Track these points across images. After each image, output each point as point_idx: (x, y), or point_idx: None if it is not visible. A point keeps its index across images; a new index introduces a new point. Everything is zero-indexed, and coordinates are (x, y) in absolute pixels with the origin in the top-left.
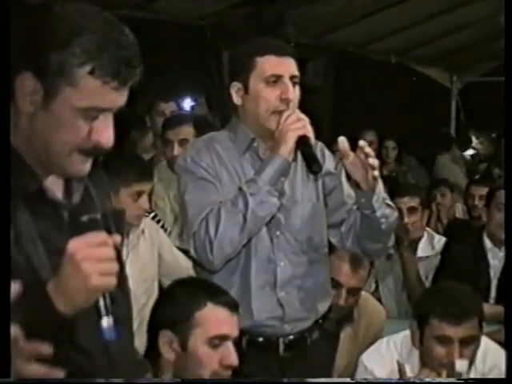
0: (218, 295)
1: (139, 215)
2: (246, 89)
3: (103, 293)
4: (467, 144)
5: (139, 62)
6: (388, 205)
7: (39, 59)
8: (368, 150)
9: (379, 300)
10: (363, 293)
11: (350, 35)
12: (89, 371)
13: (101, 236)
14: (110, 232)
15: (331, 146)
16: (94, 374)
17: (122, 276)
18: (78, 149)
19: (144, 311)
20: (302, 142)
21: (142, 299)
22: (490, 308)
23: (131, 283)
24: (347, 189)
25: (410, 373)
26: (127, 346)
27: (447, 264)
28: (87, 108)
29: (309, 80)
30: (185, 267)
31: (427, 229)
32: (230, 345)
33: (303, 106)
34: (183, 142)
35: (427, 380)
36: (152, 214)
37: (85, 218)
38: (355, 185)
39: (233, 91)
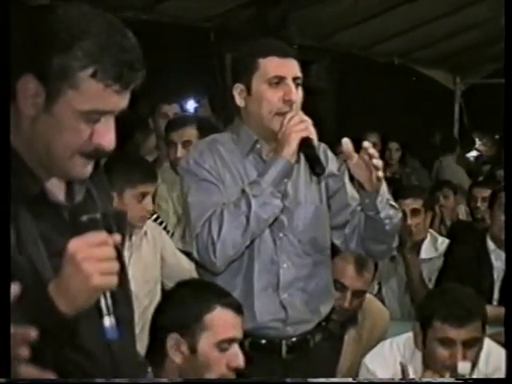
0: (225, 298)
1: (143, 216)
2: (248, 90)
3: (104, 292)
4: (470, 146)
5: (141, 65)
6: (392, 206)
7: (41, 62)
8: (372, 150)
9: (382, 302)
10: (367, 295)
11: (354, 37)
12: (90, 371)
13: (101, 236)
14: (110, 232)
15: (334, 147)
16: (96, 374)
17: (122, 275)
18: (80, 151)
19: (146, 313)
20: (305, 144)
21: (145, 301)
22: (493, 310)
23: (133, 284)
24: (351, 190)
25: (412, 375)
26: (128, 346)
27: (450, 266)
28: (89, 111)
29: (312, 82)
30: (187, 269)
31: (430, 231)
32: (236, 347)
33: (306, 108)
34: (186, 144)
35: (428, 380)
36: (154, 216)
37: (84, 218)
38: (359, 186)
39: (236, 93)
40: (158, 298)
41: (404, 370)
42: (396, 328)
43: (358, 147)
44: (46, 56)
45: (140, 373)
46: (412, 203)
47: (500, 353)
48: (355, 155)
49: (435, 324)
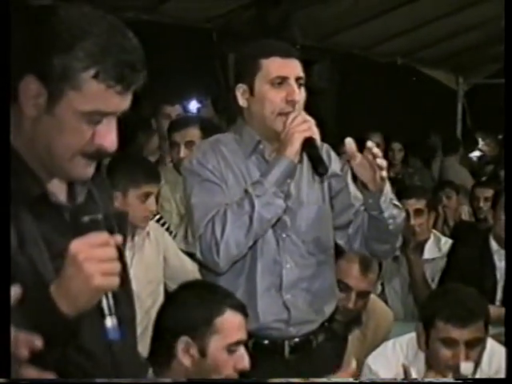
0: (233, 300)
1: (146, 217)
2: (251, 91)
3: (106, 293)
4: (473, 146)
5: (143, 66)
6: (395, 205)
7: (43, 63)
8: (376, 150)
9: (385, 302)
10: (371, 295)
11: (356, 37)
12: (91, 371)
13: (102, 236)
14: (112, 233)
15: (337, 148)
16: (97, 374)
17: (124, 276)
18: (82, 152)
19: (149, 314)
20: (308, 144)
21: (148, 301)
22: (496, 310)
23: (135, 284)
24: (353, 190)
25: (415, 375)
26: (130, 347)
27: (453, 266)
28: (91, 112)
29: (314, 82)
30: (190, 270)
31: (433, 231)
32: (242, 349)
33: (308, 108)
34: (189, 144)
35: (429, 380)
36: (158, 217)
37: (86, 219)
38: (363, 186)
39: (238, 93)
40: (161, 298)
41: (406, 372)
42: (399, 328)
43: (360, 147)
44: (47, 57)
45: (141, 373)
46: (415, 203)
47: (503, 353)
48: (358, 155)
49: (438, 324)
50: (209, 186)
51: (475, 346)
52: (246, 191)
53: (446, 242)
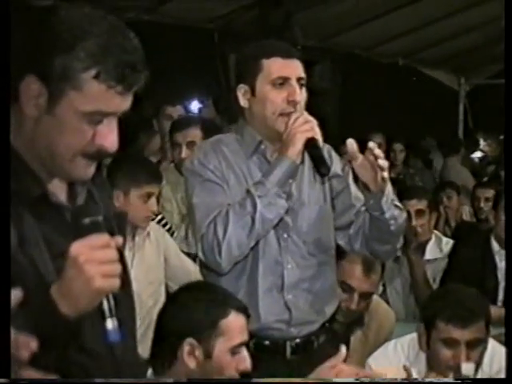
0: (237, 302)
1: (147, 217)
2: (252, 91)
3: (107, 295)
4: (475, 146)
5: (144, 67)
6: (397, 206)
7: (44, 63)
8: (378, 151)
9: (387, 302)
10: (374, 296)
11: (357, 38)
12: (91, 371)
13: (103, 238)
14: (112, 234)
15: (338, 148)
16: (97, 375)
17: (124, 277)
18: (82, 153)
19: (151, 314)
20: (310, 144)
21: (149, 302)
22: (497, 310)
23: (136, 285)
24: (355, 191)
25: (416, 376)
26: (130, 347)
27: (455, 267)
28: (91, 112)
29: (315, 82)
30: (191, 271)
31: (435, 231)
32: (245, 350)
33: (310, 109)
34: (191, 145)
35: (429, 380)
36: (159, 217)
37: (87, 221)
38: (364, 187)
39: (239, 94)
40: (162, 299)
41: (407, 373)
42: (400, 329)
43: (362, 148)
44: (48, 57)
45: (140, 374)
46: (417, 204)
47: (504, 354)
48: (360, 156)
49: (439, 325)
50: (210, 187)
51: (476, 346)
52: (248, 191)
53: (448, 243)
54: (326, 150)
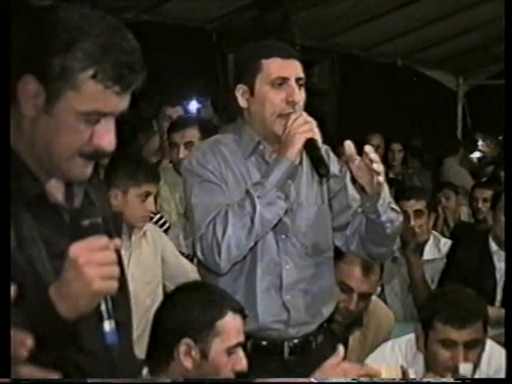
0: (234, 303)
1: (144, 216)
2: (251, 91)
3: (105, 297)
4: (474, 147)
5: (142, 67)
6: (393, 209)
7: (42, 63)
8: (373, 155)
9: (385, 303)
10: (373, 297)
11: (356, 38)
12: (89, 372)
13: (102, 240)
14: (110, 236)
15: (337, 149)
16: (94, 375)
17: (122, 279)
18: (80, 152)
19: (148, 314)
20: (310, 145)
21: (147, 302)
22: (495, 311)
23: (133, 284)
24: (352, 192)
25: (414, 377)
26: (127, 348)
27: (453, 267)
28: (89, 112)
29: (314, 83)
30: (189, 271)
31: (433, 232)
32: (241, 351)
33: (308, 109)
34: (189, 145)
35: (428, 380)
36: (157, 216)
37: (86, 223)
38: (361, 189)
39: (238, 94)
40: (160, 299)
41: (404, 373)
42: (398, 329)
43: (360, 149)
44: (46, 57)
45: (136, 374)
46: (415, 204)
47: (502, 354)
48: (357, 158)
49: (437, 325)
50: (209, 187)
51: (474, 347)
52: (248, 192)
53: (446, 243)
54: (324, 150)
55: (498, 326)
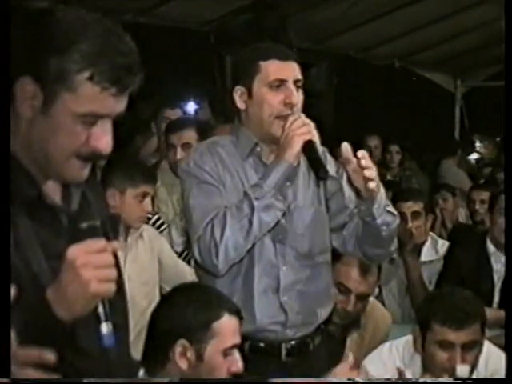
0: (230, 304)
1: (141, 217)
2: (249, 93)
3: (102, 299)
4: (471, 148)
5: (139, 69)
6: (389, 212)
7: (39, 64)
8: (364, 162)
9: (382, 304)
10: (370, 298)
11: (353, 40)
12: (85, 373)
13: (100, 243)
14: (108, 238)
15: (334, 150)
16: (90, 375)
17: (119, 281)
18: (76, 154)
19: (145, 316)
20: (308, 148)
21: (143, 303)
22: (492, 313)
23: (129, 286)
24: (348, 193)
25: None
26: (123, 350)
27: (450, 268)
28: (85, 114)
29: (311, 85)
30: (186, 272)
31: (431, 233)
32: (237, 353)
33: (306, 111)
34: (186, 146)
35: (426, 380)
36: (156, 217)
37: (84, 225)
38: (356, 192)
39: (236, 95)
40: (156, 300)
41: (401, 375)
42: (396, 331)
43: (358, 150)
44: (43, 58)
45: (132, 375)
46: (413, 206)
47: (499, 356)
48: (354, 160)
49: (434, 327)
50: (206, 188)
51: (471, 348)
52: (246, 194)
53: (443, 245)
54: (321, 151)
55: (495, 327)
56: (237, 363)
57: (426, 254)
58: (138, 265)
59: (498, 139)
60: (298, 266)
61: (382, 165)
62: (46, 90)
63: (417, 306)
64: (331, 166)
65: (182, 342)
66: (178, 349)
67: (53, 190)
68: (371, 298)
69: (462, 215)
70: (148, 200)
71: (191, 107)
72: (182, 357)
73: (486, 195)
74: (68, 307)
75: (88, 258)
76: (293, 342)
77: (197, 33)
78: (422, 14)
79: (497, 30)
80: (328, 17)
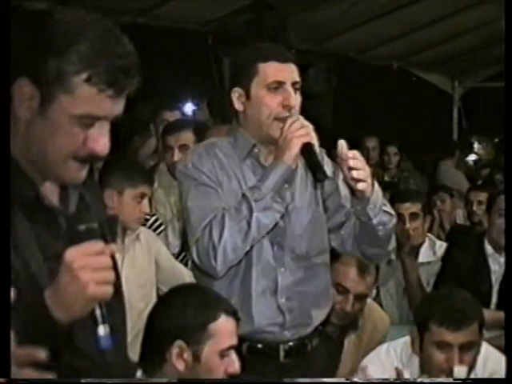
0: (227, 305)
1: (139, 218)
2: (247, 95)
3: (99, 301)
4: (469, 149)
5: (136, 72)
6: (386, 212)
7: (37, 66)
8: (352, 162)
9: (380, 306)
10: (368, 300)
11: (351, 41)
12: (83, 374)
13: (98, 245)
14: (105, 240)
15: (332, 152)
16: (88, 376)
17: (117, 284)
18: (74, 156)
19: (142, 318)
20: (307, 150)
21: (140, 305)
22: (490, 314)
23: (126, 288)
24: (345, 192)
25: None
26: (121, 353)
27: (448, 270)
28: (82, 115)
29: (309, 86)
30: (184, 274)
31: (428, 234)
32: (234, 354)
33: (304, 112)
34: (183, 148)
35: (426, 380)
36: (153, 218)
37: (82, 227)
38: (351, 191)
39: (234, 97)
40: (153, 302)
41: (399, 375)
42: (394, 332)
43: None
44: (41, 59)
45: (129, 377)
46: (410, 207)
47: (497, 357)
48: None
49: (432, 328)
50: (205, 190)
51: (469, 349)
52: (244, 196)
53: (441, 246)
54: (319, 152)
55: (493, 328)
56: (234, 364)
57: (424, 255)
58: (135, 267)
59: (496, 140)
60: (295, 268)
61: (379, 166)
62: (43, 91)
63: (415, 307)
64: (328, 167)
65: (179, 343)
66: (174, 350)
67: (51, 192)
68: (369, 300)
69: (460, 216)
70: (146, 201)
71: (189, 108)
72: (178, 358)
73: (483, 196)
74: (65, 309)
75: (86, 261)
76: (291, 344)
77: (196, 33)
78: (420, 15)
79: (496, 30)
80: (328, 17)
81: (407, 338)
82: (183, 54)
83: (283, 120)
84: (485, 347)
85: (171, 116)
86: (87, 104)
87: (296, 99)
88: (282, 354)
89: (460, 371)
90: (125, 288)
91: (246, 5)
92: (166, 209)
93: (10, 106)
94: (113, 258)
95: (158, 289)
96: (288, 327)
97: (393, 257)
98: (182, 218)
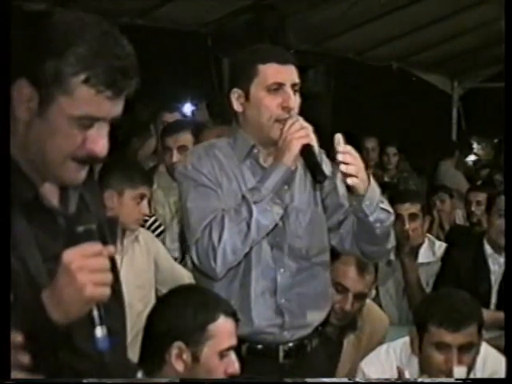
0: (226, 306)
1: (139, 219)
2: (246, 96)
3: (97, 303)
4: (469, 150)
5: (135, 73)
6: (383, 209)
7: (35, 67)
8: (342, 157)
9: (380, 306)
10: (367, 300)
11: (350, 41)
12: (82, 374)
13: (96, 246)
14: (104, 242)
15: (331, 152)
16: (89, 377)
17: (116, 286)
18: (72, 157)
19: (141, 319)
20: (306, 151)
21: (139, 306)
22: (490, 314)
23: (125, 289)
24: (343, 190)
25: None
26: (120, 354)
27: (448, 270)
28: (81, 116)
29: (309, 87)
30: (184, 275)
31: (428, 235)
32: (233, 354)
33: (303, 113)
34: (182, 149)
35: (426, 380)
36: (152, 219)
37: (81, 229)
38: (347, 188)
39: (233, 98)
40: (152, 303)
41: (401, 374)
42: (393, 332)
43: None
44: (40, 61)
45: (129, 377)
46: (410, 207)
47: (497, 358)
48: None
49: (431, 328)
50: (204, 191)
51: (468, 350)
52: (244, 197)
53: (441, 246)
54: (318, 152)
55: (493, 329)
56: (233, 365)
57: (424, 255)
58: (134, 268)
59: (495, 141)
60: (295, 269)
61: (379, 167)
62: (42, 93)
63: (414, 308)
64: (327, 167)
65: (178, 343)
66: (174, 351)
67: (50, 193)
68: (368, 300)
69: (460, 217)
70: (145, 202)
71: (188, 109)
72: (178, 359)
73: (482, 197)
74: (63, 310)
75: (84, 262)
76: (290, 344)
77: (195, 34)
78: (420, 16)
79: (496, 30)
80: (327, 17)
81: (406, 339)
82: (182, 55)
83: (283, 121)
84: (484, 347)
85: (171, 117)
86: (86, 105)
87: (295, 101)
88: (281, 354)
89: (459, 372)
90: (124, 288)
91: (246, 5)
92: (165, 210)
93: (10, 107)
94: (112, 259)
95: (156, 290)
96: (287, 328)
97: (392, 257)
98: (181, 221)
